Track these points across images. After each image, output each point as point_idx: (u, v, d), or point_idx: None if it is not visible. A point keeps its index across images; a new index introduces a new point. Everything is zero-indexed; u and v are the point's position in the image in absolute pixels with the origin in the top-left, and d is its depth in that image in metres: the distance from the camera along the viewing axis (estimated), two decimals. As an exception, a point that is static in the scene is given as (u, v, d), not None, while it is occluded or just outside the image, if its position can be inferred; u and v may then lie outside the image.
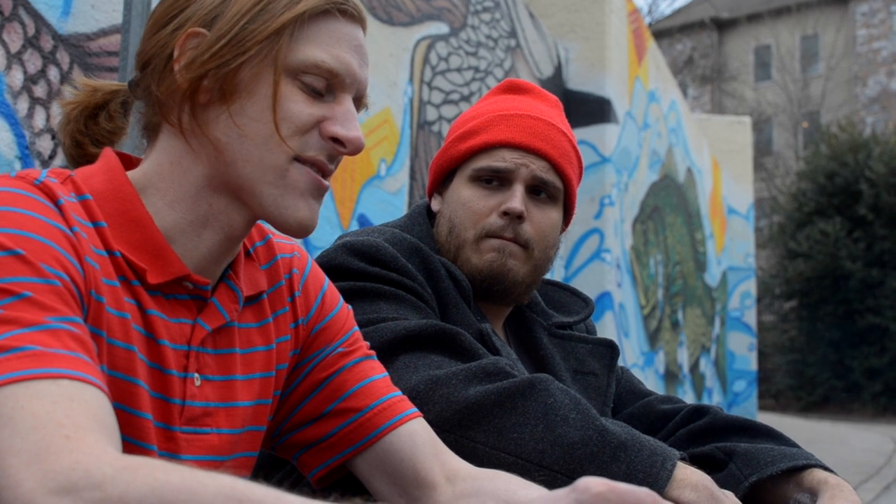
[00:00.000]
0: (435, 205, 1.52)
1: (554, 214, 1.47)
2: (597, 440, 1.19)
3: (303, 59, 0.92)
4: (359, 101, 0.99)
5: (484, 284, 1.43)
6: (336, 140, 0.95)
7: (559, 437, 1.19)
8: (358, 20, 0.98)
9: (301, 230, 0.95)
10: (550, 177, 1.44)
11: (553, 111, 1.50)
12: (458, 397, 1.20)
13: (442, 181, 1.51)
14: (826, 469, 1.35)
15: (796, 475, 1.34)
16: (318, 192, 0.96)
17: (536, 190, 1.44)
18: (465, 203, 1.43)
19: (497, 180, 1.43)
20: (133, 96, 1.00)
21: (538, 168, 1.43)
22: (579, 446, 1.18)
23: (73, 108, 1.00)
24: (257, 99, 0.92)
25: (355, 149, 0.96)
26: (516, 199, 1.41)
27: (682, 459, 1.25)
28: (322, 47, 0.93)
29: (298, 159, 0.93)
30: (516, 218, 1.41)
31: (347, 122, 0.95)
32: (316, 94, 0.94)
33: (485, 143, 1.43)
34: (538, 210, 1.44)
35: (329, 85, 0.95)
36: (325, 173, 0.96)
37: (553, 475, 1.16)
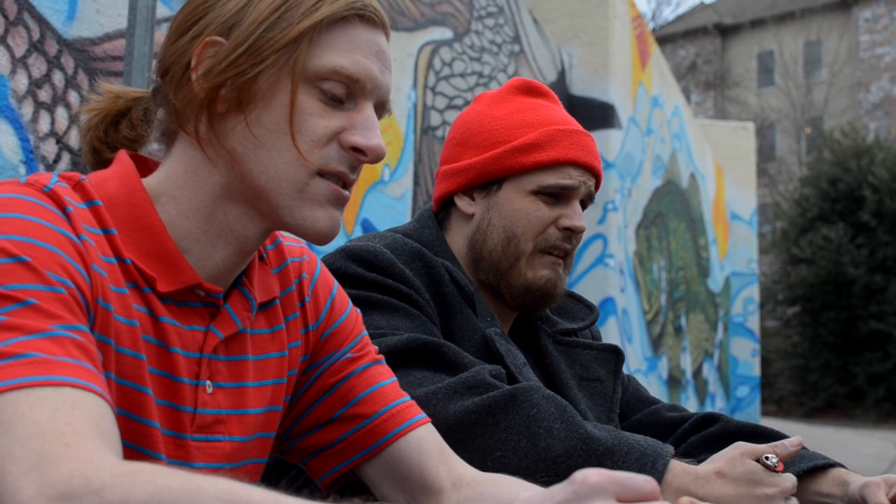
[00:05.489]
0: (467, 208, 1.49)
1: None
2: (581, 450, 1.18)
3: (322, 66, 0.91)
4: (381, 108, 0.98)
5: (536, 302, 1.46)
6: (356, 149, 0.94)
7: (542, 451, 1.18)
8: (379, 25, 0.96)
9: (321, 239, 0.94)
10: (594, 192, 1.49)
11: None
12: (440, 419, 1.19)
13: (481, 186, 1.48)
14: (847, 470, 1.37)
15: (817, 475, 1.36)
16: (339, 203, 0.94)
17: (583, 203, 1.48)
18: (528, 214, 1.44)
19: (557, 195, 1.44)
20: (154, 103, 0.99)
21: (592, 185, 1.47)
22: (563, 459, 1.17)
23: (95, 115, 0.99)
24: (274, 108, 0.91)
25: (376, 157, 0.95)
26: (580, 216, 1.45)
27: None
28: (341, 53, 0.92)
29: (320, 173, 0.92)
30: (573, 233, 1.45)
31: (368, 130, 0.94)
32: (336, 102, 0.93)
33: (554, 159, 1.43)
34: None
35: (349, 91, 0.93)
36: (347, 184, 0.95)
37: None
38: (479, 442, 1.19)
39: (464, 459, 1.15)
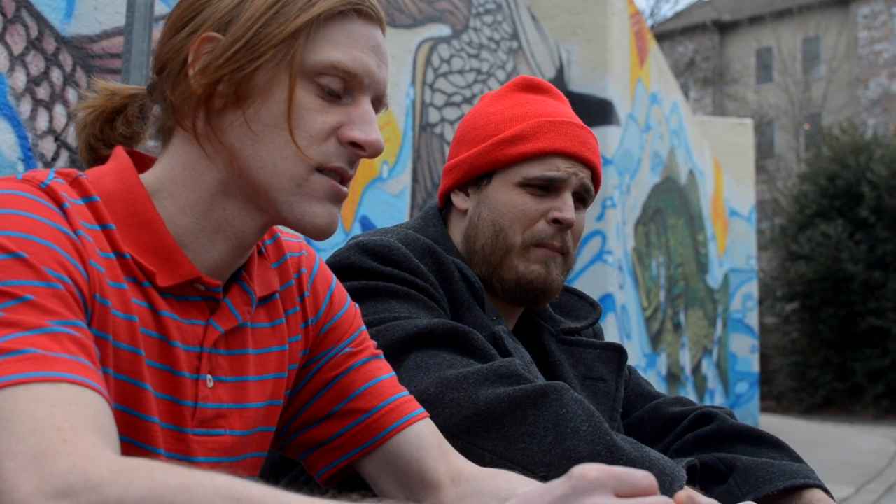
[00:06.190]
0: (461, 203, 1.49)
1: (583, 219, 1.49)
2: (606, 456, 1.17)
3: (319, 61, 0.91)
4: (378, 102, 0.98)
5: (528, 296, 1.44)
6: (355, 144, 0.94)
7: (567, 450, 1.17)
8: (376, 20, 0.96)
9: (320, 235, 0.94)
10: (591, 184, 1.46)
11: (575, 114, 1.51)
12: (469, 402, 1.19)
13: (474, 181, 1.48)
14: (825, 490, 1.34)
15: (794, 493, 1.33)
16: (337, 199, 0.95)
17: (580, 197, 1.46)
18: (515, 207, 1.42)
19: (547, 187, 1.43)
20: (150, 100, 0.99)
21: (585, 177, 1.44)
22: (587, 462, 1.16)
23: (91, 112, 0.99)
24: (272, 104, 0.91)
25: (374, 152, 0.95)
26: (570, 208, 1.42)
27: (692, 467, 1.23)
28: (339, 48, 0.92)
29: (319, 169, 0.92)
30: (564, 226, 1.43)
31: (366, 124, 0.94)
32: (333, 97, 0.93)
33: (539, 150, 1.42)
34: (577, 216, 1.46)
35: (347, 86, 0.94)
36: (345, 179, 0.95)
37: None
38: (506, 431, 1.19)
39: (486, 445, 1.15)
